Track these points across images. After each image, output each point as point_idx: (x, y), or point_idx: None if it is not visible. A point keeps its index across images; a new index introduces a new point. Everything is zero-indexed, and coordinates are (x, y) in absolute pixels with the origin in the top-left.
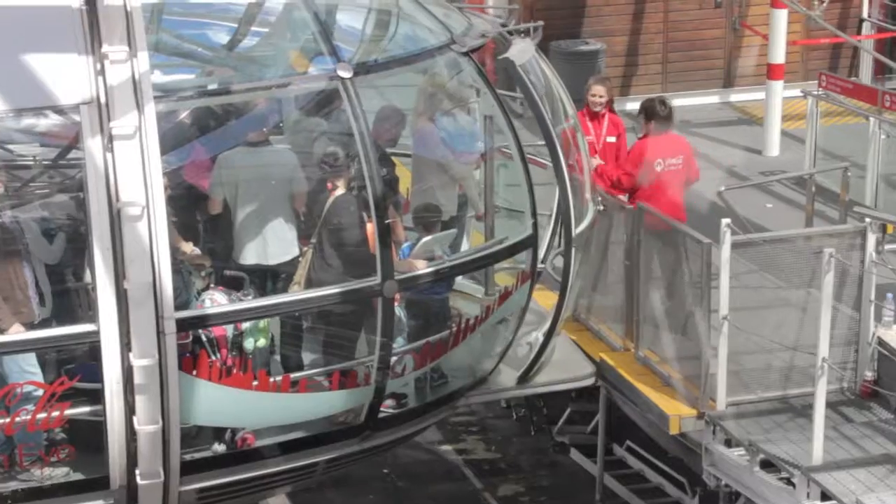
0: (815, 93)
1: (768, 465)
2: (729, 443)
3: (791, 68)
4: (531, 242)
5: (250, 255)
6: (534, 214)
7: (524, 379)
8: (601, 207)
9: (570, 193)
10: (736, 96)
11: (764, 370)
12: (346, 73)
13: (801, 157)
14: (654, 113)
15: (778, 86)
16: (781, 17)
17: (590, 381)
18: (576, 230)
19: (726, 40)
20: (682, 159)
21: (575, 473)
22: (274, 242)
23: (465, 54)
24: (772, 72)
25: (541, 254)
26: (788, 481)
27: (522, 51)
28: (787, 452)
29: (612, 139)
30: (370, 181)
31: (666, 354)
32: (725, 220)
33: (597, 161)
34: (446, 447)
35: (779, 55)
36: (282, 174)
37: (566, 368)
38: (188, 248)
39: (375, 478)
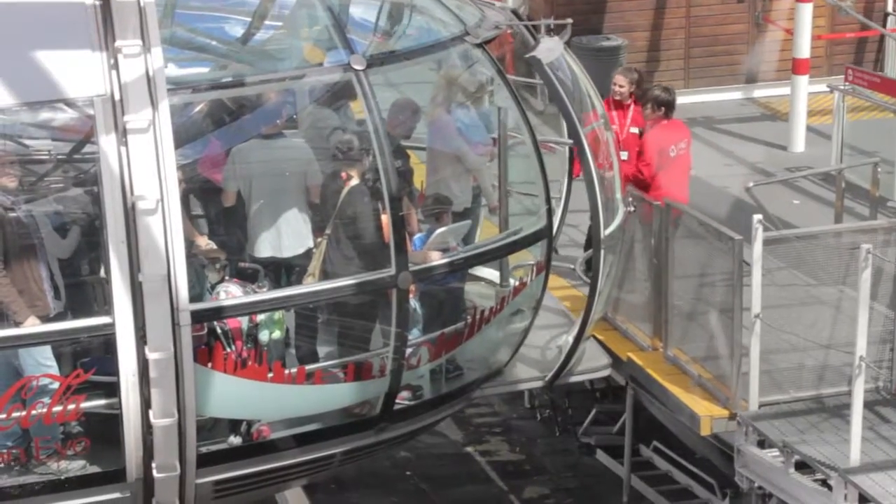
0: (842, 87)
1: (802, 466)
2: (762, 444)
3: (815, 63)
4: (545, 234)
5: (264, 247)
6: (548, 204)
7: (553, 382)
8: (631, 209)
9: (598, 195)
10: (759, 92)
11: (797, 369)
12: (359, 65)
13: (827, 153)
14: (664, 101)
15: (803, 80)
16: (807, 10)
17: (606, 373)
18: (605, 232)
19: (749, 35)
20: (686, 142)
21: (601, 475)
22: (288, 235)
23: (479, 46)
24: (797, 66)
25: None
26: (824, 483)
27: (550, 49)
28: (822, 454)
29: (635, 130)
30: (384, 173)
31: (696, 354)
32: (757, 216)
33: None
34: (469, 448)
35: (804, 49)
36: (296, 167)
37: (582, 360)
38: (203, 241)
39: (398, 479)
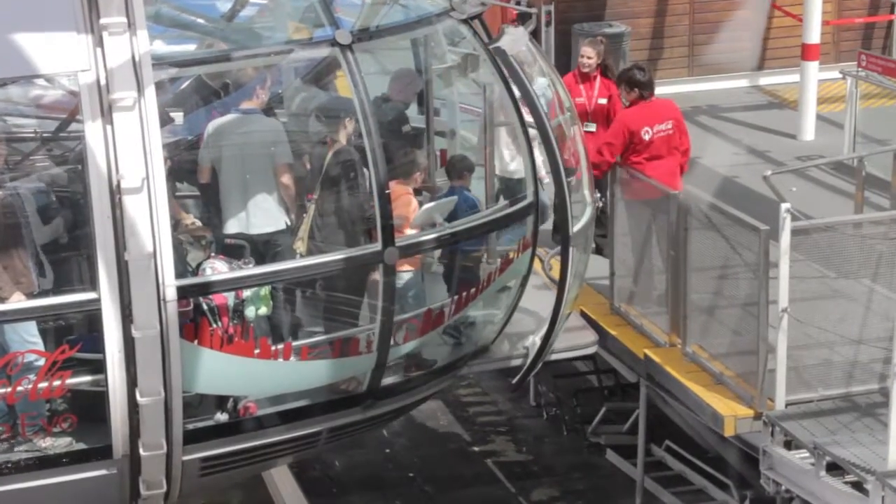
0: (856, 72)
1: (832, 468)
2: (788, 445)
3: (822, 49)
4: (532, 210)
5: (232, 224)
6: (535, 182)
7: (518, 385)
8: (600, 204)
9: (566, 190)
10: (765, 80)
11: (825, 366)
12: (344, 40)
13: (838, 141)
14: (635, 80)
15: (813, 67)
16: None
17: (592, 350)
18: (573, 228)
19: (756, 21)
20: (671, 124)
21: (612, 476)
22: (256, 213)
23: (465, 21)
24: (807, 52)
25: None
26: (857, 486)
27: (515, 39)
28: (857, 455)
29: (603, 101)
30: (370, 151)
31: (717, 350)
32: (785, 205)
33: (588, 125)
34: (474, 449)
35: (814, 35)
36: (264, 143)
37: (568, 337)
38: (189, 219)
39: (401, 483)
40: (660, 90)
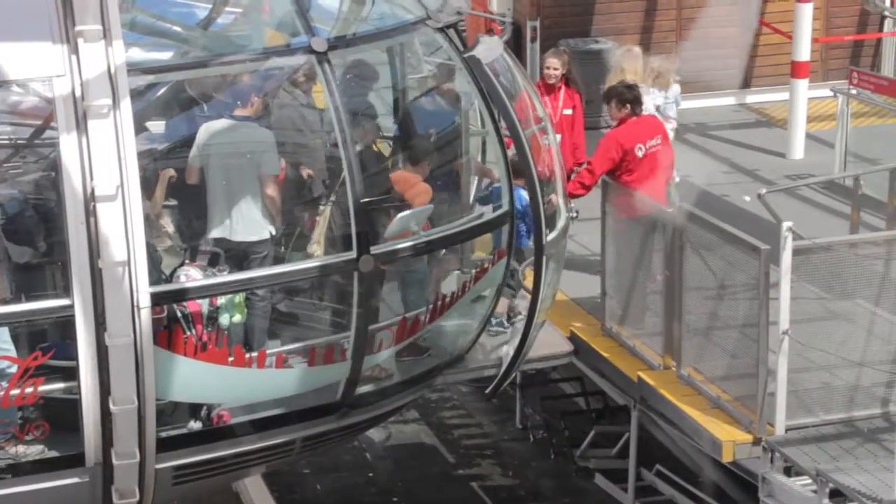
0: (847, 90)
1: (835, 495)
2: (788, 471)
3: (811, 68)
4: (507, 219)
5: (215, 228)
6: (510, 191)
7: (493, 394)
8: (574, 214)
9: (540, 199)
10: (753, 97)
11: (826, 390)
12: (320, 48)
13: (827, 160)
14: (627, 97)
15: (803, 84)
16: (806, 11)
17: (567, 360)
18: (547, 238)
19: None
20: (660, 139)
21: (601, 501)
22: (239, 220)
23: (441, 30)
24: (796, 70)
25: None
26: None
27: (490, 48)
28: (862, 483)
29: (568, 111)
30: (346, 161)
31: (713, 373)
32: (787, 224)
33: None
34: (459, 472)
35: (804, 52)
36: (252, 152)
37: (542, 345)
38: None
39: None
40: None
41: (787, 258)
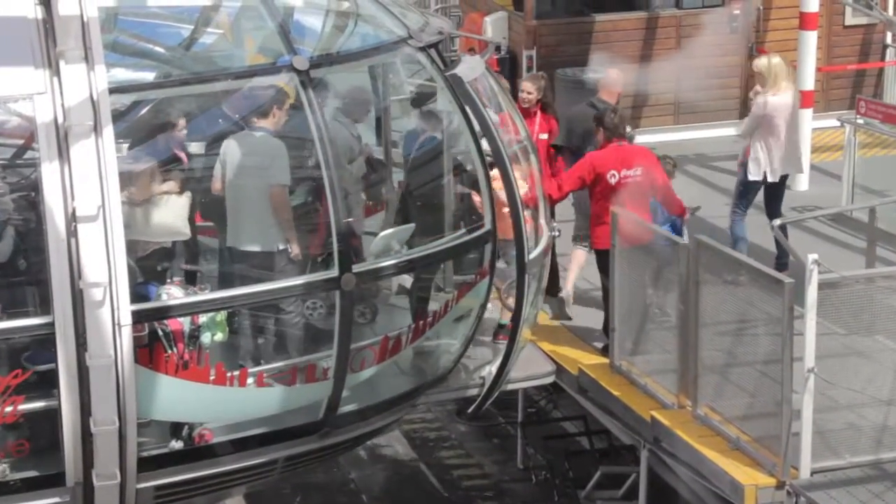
0: (854, 119)
1: None
2: None
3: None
4: (489, 238)
5: (229, 236)
6: (492, 210)
7: (475, 414)
8: (556, 234)
9: (522, 218)
10: None
11: (852, 431)
12: (301, 66)
13: (832, 192)
14: (604, 123)
15: (807, 114)
16: (811, 39)
17: (550, 380)
18: (529, 256)
19: (743, 68)
20: (640, 170)
21: None
22: (245, 229)
23: (422, 49)
24: (801, 99)
25: None
26: None
27: (472, 67)
28: None
29: (544, 136)
30: (328, 180)
31: (731, 413)
32: (813, 256)
33: None
34: None
35: (808, 81)
36: (262, 163)
37: (525, 365)
38: None
39: None
40: (645, 138)
41: (812, 292)
